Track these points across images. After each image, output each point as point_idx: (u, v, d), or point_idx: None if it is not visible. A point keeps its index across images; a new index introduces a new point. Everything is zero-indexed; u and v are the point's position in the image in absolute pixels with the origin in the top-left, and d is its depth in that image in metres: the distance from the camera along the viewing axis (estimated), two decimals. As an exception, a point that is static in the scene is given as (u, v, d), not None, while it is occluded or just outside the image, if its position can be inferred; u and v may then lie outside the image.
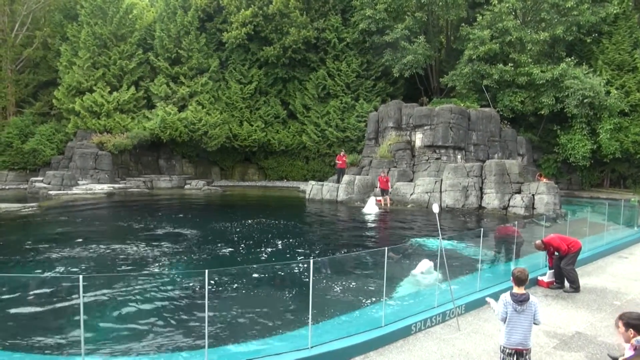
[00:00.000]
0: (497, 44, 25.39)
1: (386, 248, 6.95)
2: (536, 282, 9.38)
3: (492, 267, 10.34)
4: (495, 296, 5.50)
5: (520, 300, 4.81)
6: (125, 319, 7.26)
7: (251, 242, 13.00)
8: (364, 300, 8.13)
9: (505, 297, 4.89)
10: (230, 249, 12.14)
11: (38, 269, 9.90)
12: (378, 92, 30.83)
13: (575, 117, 25.72)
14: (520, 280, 4.95)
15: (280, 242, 13.05)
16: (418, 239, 14.43)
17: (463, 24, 27.07)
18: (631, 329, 3.87)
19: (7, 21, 29.92)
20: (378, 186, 21.88)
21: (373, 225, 17.48)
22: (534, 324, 4.89)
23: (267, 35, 29.79)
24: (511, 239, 10.32)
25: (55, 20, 31.09)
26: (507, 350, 4.84)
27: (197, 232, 14.32)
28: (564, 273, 9.04)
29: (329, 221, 18.38)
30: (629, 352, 3.99)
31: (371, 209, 19.68)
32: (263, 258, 11.24)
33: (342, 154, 25.74)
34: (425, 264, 9.34)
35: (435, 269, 8.71)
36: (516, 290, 4.94)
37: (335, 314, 7.36)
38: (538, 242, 9.38)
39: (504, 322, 4.87)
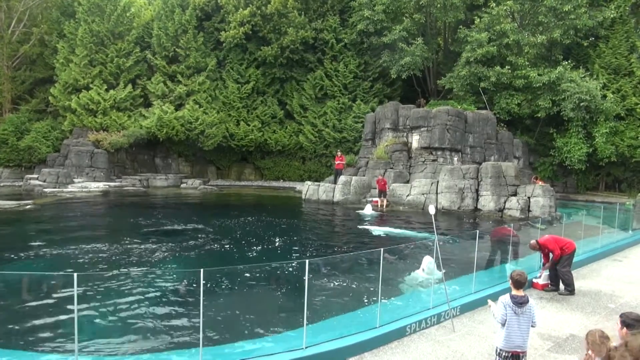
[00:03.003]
0: (495, 47, 25.47)
1: (382, 249, 6.95)
2: (531, 285, 9.39)
3: (487, 268, 10.34)
4: (491, 298, 5.50)
5: (520, 303, 4.80)
6: (120, 317, 7.22)
7: (246, 241, 12.97)
8: (359, 301, 8.11)
9: (505, 299, 4.87)
10: (225, 248, 12.11)
11: (32, 267, 9.83)
12: (375, 93, 30.87)
13: (571, 120, 25.85)
14: (519, 283, 4.96)
15: (276, 241, 13.04)
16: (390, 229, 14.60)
17: (461, 27, 27.11)
18: (625, 328, 3.96)
19: (4, 17, 29.80)
20: (377, 188, 21.87)
21: (369, 226, 17.47)
22: (531, 326, 4.89)
23: (265, 35, 29.76)
24: (507, 240, 10.33)
25: (52, 17, 30.98)
26: (504, 354, 4.81)
27: (192, 231, 14.27)
28: (560, 275, 9.05)
29: (325, 221, 18.36)
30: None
31: (367, 210, 19.71)
32: (258, 257, 11.21)
33: (339, 154, 25.74)
34: (426, 260, 9.30)
35: (437, 268, 8.69)
36: (515, 292, 4.93)
37: (330, 315, 7.34)
38: (533, 242, 9.39)
39: (503, 325, 4.83)
